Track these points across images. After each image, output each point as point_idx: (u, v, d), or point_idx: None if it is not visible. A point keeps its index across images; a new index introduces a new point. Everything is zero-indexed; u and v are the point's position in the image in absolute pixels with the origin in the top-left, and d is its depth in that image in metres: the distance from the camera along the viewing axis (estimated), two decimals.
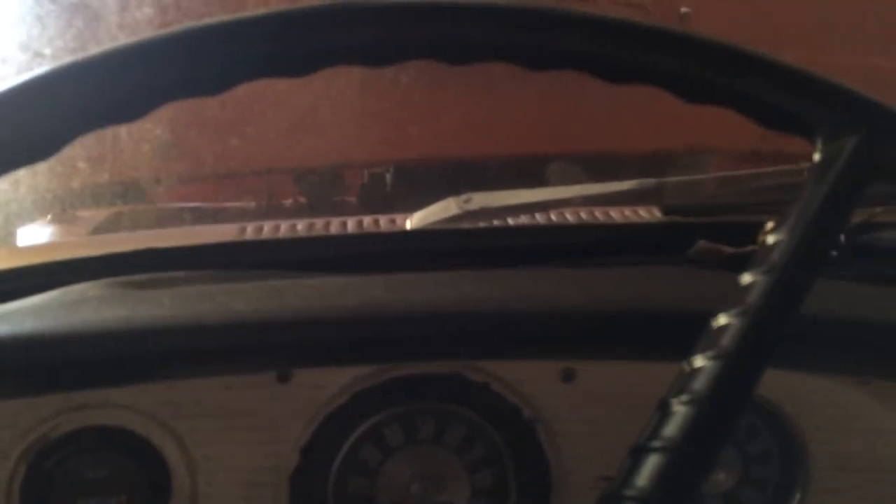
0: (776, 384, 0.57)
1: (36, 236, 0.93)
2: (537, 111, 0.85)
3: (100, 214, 1.04)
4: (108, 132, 0.61)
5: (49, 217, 0.99)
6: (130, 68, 0.32)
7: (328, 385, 0.56)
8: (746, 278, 0.37)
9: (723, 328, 0.36)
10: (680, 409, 0.35)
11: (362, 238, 0.79)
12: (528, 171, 0.88)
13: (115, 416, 0.54)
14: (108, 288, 0.55)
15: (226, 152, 0.71)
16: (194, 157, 0.71)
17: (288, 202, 0.89)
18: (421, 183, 0.86)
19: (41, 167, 0.61)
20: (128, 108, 0.33)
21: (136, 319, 0.49)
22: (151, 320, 0.49)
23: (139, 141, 0.66)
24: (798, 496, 0.59)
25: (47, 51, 0.62)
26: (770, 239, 0.37)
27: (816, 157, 0.38)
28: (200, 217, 0.87)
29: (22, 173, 0.63)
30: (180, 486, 0.55)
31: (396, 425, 0.59)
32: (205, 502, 0.56)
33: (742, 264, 0.68)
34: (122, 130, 0.61)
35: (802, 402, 0.58)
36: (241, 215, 0.97)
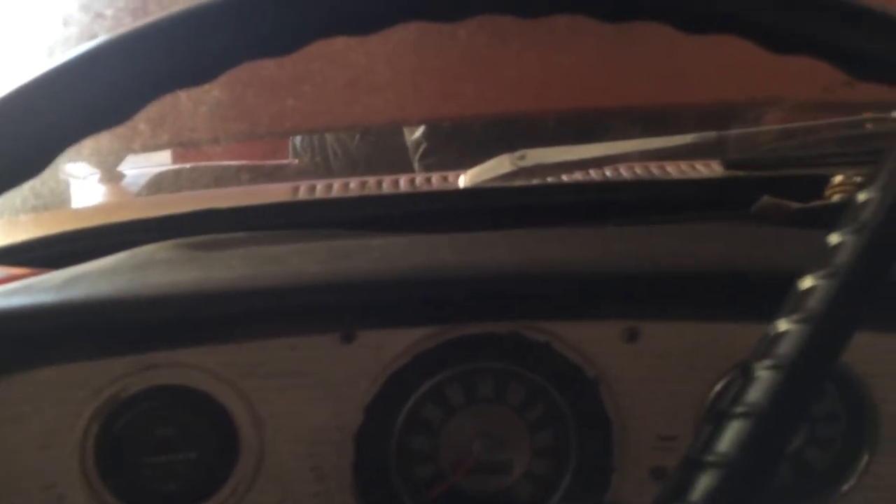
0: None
1: (89, 196, 0.95)
2: (593, 65, 0.83)
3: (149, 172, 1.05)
4: (168, 94, 0.61)
5: (99, 176, 1.00)
6: (205, 29, 0.32)
7: (391, 346, 0.56)
8: (835, 238, 0.36)
9: (809, 290, 0.35)
10: (764, 374, 0.34)
11: (417, 197, 0.78)
12: (583, 127, 0.86)
13: (183, 375, 0.55)
14: (176, 250, 0.56)
15: (282, 112, 0.71)
16: (251, 116, 0.71)
17: (341, 160, 0.89)
18: (475, 140, 0.85)
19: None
20: (201, 70, 0.32)
21: (209, 281, 0.50)
22: (223, 282, 0.50)
23: (198, 103, 0.66)
24: (865, 458, 0.58)
25: (108, 11, 0.62)
26: (861, 196, 0.36)
27: None
28: (255, 176, 0.87)
29: None
30: (248, 444, 0.56)
31: (457, 384, 0.59)
32: (272, 459, 0.57)
33: (808, 220, 0.66)
34: (182, 92, 0.61)
35: (873, 363, 0.56)
36: (294, 174, 0.97)
